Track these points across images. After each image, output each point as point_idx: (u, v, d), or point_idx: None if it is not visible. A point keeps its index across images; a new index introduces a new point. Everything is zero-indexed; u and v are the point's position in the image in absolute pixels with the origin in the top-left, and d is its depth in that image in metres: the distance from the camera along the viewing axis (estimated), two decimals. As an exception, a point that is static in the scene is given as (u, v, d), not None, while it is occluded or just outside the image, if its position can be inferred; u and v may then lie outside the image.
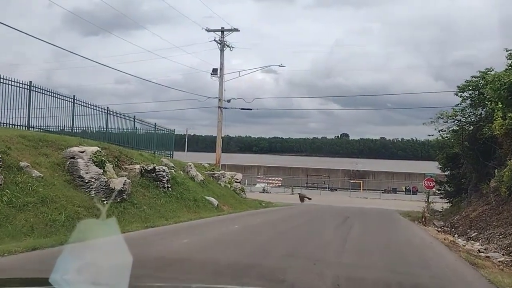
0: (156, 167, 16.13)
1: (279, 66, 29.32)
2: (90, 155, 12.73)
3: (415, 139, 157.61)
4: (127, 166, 14.96)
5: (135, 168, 15.05)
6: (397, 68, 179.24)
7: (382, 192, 46.44)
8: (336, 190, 50.46)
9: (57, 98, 16.49)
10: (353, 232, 12.15)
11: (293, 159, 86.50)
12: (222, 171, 25.27)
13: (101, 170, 12.83)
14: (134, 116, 21.53)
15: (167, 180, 16.20)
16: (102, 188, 12.63)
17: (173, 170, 18.32)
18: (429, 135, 21.59)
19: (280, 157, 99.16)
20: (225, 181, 25.08)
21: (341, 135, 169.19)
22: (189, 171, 21.05)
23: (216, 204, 19.44)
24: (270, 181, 50.34)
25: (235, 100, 28.08)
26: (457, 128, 20.33)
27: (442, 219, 21.87)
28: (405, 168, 63.40)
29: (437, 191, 26.65)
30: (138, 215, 12.71)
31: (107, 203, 12.16)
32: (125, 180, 13.37)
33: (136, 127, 21.65)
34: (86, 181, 12.30)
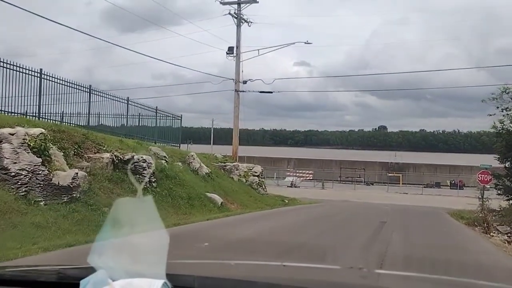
0: (135, 157, 12.45)
1: (305, 43, 25.10)
2: (24, 139, 9.14)
3: (457, 130, 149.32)
4: (91, 155, 11.33)
5: (102, 158, 11.41)
6: (437, 58, 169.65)
7: (424, 187, 41.19)
8: (372, 184, 45.55)
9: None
10: (391, 252, 7.89)
11: (327, 151, 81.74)
12: (236, 163, 21.41)
13: (39, 159, 9.22)
14: (128, 98, 17.96)
15: (149, 173, 12.51)
16: (40, 183, 9.03)
17: (164, 161, 14.61)
18: (490, 115, 16.75)
19: (313, 150, 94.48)
20: (239, 174, 21.25)
21: (378, 127, 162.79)
22: (191, 162, 17.34)
23: (220, 203, 15.63)
24: (300, 175, 46.04)
25: (253, 81, 24.13)
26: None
27: (504, 222, 17.10)
28: (448, 160, 57.42)
29: (494, 186, 21.65)
30: (86, 222, 9.01)
31: (45, 204, 8.55)
32: (76, 173, 9.71)
33: (129, 111, 18.06)
34: (13, 174, 8.73)
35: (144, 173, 12.25)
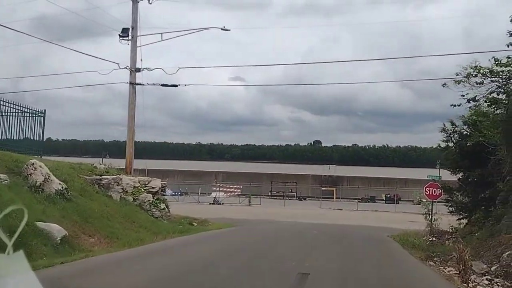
0: None
1: (222, 29, 19.89)
2: None
3: (386, 145, 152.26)
4: None
5: None
6: (367, 76, 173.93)
7: (359, 201, 37.22)
8: (305, 199, 41.04)
9: None
10: None
11: (261, 165, 77.21)
12: (118, 176, 15.44)
13: None
14: None
15: None
16: None
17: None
18: (454, 105, 12.23)
19: (245, 164, 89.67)
20: (124, 191, 15.33)
21: (313, 142, 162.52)
22: (30, 174, 11.23)
23: (60, 238, 9.68)
24: (227, 190, 40.54)
25: (151, 71, 18.43)
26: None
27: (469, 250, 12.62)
28: (380, 174, 54.66)
29: (445, 202, 17.42)
30: None
31: None
32: None
33: None
34: None
35: None
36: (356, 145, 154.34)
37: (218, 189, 39.83)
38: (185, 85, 19.09)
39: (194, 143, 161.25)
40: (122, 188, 15.22)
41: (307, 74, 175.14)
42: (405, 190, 42.53)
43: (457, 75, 10.87)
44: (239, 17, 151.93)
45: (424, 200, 40.48)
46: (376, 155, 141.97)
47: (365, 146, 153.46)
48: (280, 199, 38.07)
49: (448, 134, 16.51)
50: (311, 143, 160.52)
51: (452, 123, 16.27)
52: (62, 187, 11.93)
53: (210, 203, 32.91)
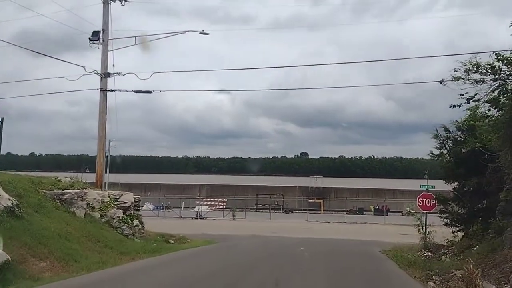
0: None
1: (200, 33, 18.66)
2: None
3: (372, 156, 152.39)
4: None
5: None
6: (351, 88, 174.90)
7: (347, 213, 35.91)
8: (291, 212, 39.60)
9: None
10: None
11: (247, 178, 75.75)
12: (81, 190, 13.89)
13: None
14: None
15: None
16: None
17: None
18: (453, 106, 10.99)
19: (231, 177, 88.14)
20: (90, 207, 13.80)
21: (300, 154, 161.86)
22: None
23: (-1, 263, 8.15)
24: (212, 203, 38.89)
25: (122, 76, 17.01)
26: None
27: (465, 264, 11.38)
28: (368, 185, 53.58)
29: (439, 213, 16.18)
30: None
31: None
32: None
33: None
34: None
35: None
36: (343, 157, 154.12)
37: (202, 202, 38.21)
38: (160, 91, 17.71)
39: (181, 157, 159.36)
40: (88, 204, 13.69)
41: (292, 86, 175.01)
42: (394, 201, 41.52)
43: (456, 71, 9.73)
44: (224, 30, 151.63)
45: (413, 211, 39.12)
46: (362, 167, 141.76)
47: (351, 157, 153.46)
48: (266, 212, 36.61)
49: (441, 141, 15.38)
50: (297, 155, 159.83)
51: (446, 129, 15.17)
52: (12, 203, 10.39)
53: (192, 218, 31.31)
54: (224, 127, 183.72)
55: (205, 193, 45.10)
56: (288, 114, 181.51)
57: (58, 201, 12.91)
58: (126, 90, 17.32)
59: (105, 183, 18.46)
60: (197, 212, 32.09)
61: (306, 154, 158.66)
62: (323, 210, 39.86)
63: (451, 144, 15.31)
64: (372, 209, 39.27)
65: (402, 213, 39.44)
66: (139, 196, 17.63)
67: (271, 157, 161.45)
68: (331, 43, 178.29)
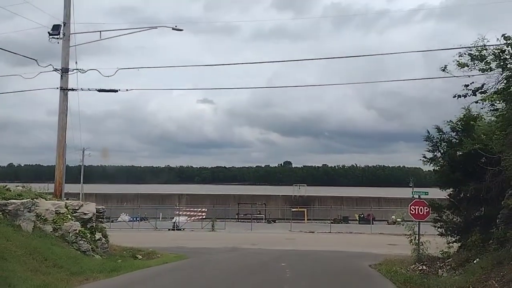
0: None
1: (173, 29, 17.02)
2: None
3: (355, 165, 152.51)
4: None
5: None
6: (333, 98, 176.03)
7: (331, 222, 34.39)
8: (274, 221, 37.92)
9: None
10: None
11: (230, 187, 73.93)
12: (29, 200, 11.99)
13: None
14: None
15: None
16: None
17: None
18: (457, 96, 9.43)
19: (213, 186, 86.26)
20: (41, 219, 11.94)
21: (284, 163, 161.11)
22: None
23: None
24: (191, 214, 36.97)
25: (84, 73, 15.22)
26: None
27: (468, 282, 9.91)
28: (353, 193, 52.32)
29: (433, 222, 14.72)
30: None
31: None
32: None
33: None
34: None
35: None
36: (326, 166, 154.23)
37: (180, 213, 36.26)
38: (127, 90, 16.00)
39: (163, 166, 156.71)
40: (38, 215, 11.83)
41: (275, 96, 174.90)
42: (379, 209, 40.23)
43: (460, 56, 8.33)
44: (207, 41, 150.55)
45: (399, 220, 37.51)
46: (345, 175, 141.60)
47: (334, 166, 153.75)
48: (248, 222, 34.84)
49: (434, 143, 13.99)
50: (281, 164, 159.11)
51: (439, 130, 13.80)
52: None
53: (169, 229, 29.39)
54: (208, 137, 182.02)
55: (185, 202, 43.11)
56: (271, 124, 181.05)
57: (0, 213, 11.02)
58: (89, 89, 15.52)
59: (66, 192, 16.51)
60: (174, 223, 30.15)
61: (289, 163, 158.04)
62: (307, 219, 38.32)
63: (445, 147, 13.93)
64: (357, 218, 37.87)
65: (388, 222, 38.21)
66: (103, 207, 15.75)
67: (254, 166, 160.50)
68: (313, 53, 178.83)
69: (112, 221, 36.14)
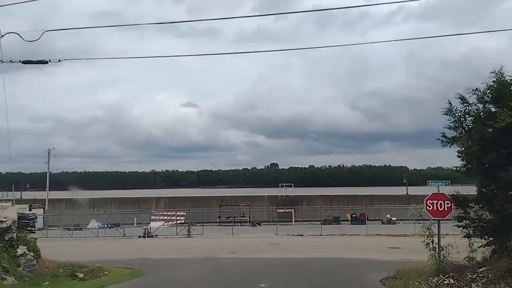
0: None
1: None
2: None
3: (342, 165, 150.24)
4: None
5: None
6: (317, 99, 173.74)
7: (322, 223, 30.98)
8: (259, 224, 34.36)
9: None
10: None
11: (215, 190, 70.21)
12: None
13: None
14: None
15: None
16: None
17: None
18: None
19: (194, 189, 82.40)
20: None
21: (270, 165, 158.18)
22: None
23: None
24: (169, 218, 33.19)
25: (2, 37, 11.59)
26: None
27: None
28: (342, 193, 49.04)
29: (457, 220, 11.39)
30: None
31: None
32: None
33: None
34: None
35: None
36: (313, 166, 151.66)
37: (156, 217, 32.49)
38: (59, 60, 12.39)
39: (148, 171, 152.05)
40: None
41: (260, 98, 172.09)
42: (372, 208, 37.08)
43: None
44: (191, 43, 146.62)
45: (394, 219, 33.73)
46: (332, 175, 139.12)
47: (321, 167, 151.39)
48: (230, 225, 31.22)
49: (457, 118, 10.67)
50: (268, 166, 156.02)
51: (463, 100, 10.48)
52: None
53: (139, 236, 25.59)
54: (193, 140, 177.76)
55: (163, 206, 39.33)
56: (257, 126, 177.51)
57: None
58: (11, 61, 11.85)
59: (34, 199, 12.76)
60: (146, 229, 26.36)
61: (276, 165, 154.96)
62: (295, 221, 34.88)
63: (470, 122, 10.62)
64: (349, 218, 34.57)
65: (382, 221, 35.06)
66: (33, 212, 12.12)
67: (241, 169, 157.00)
68: (297, 56, 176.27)
69: (81, 229, 32.37)
